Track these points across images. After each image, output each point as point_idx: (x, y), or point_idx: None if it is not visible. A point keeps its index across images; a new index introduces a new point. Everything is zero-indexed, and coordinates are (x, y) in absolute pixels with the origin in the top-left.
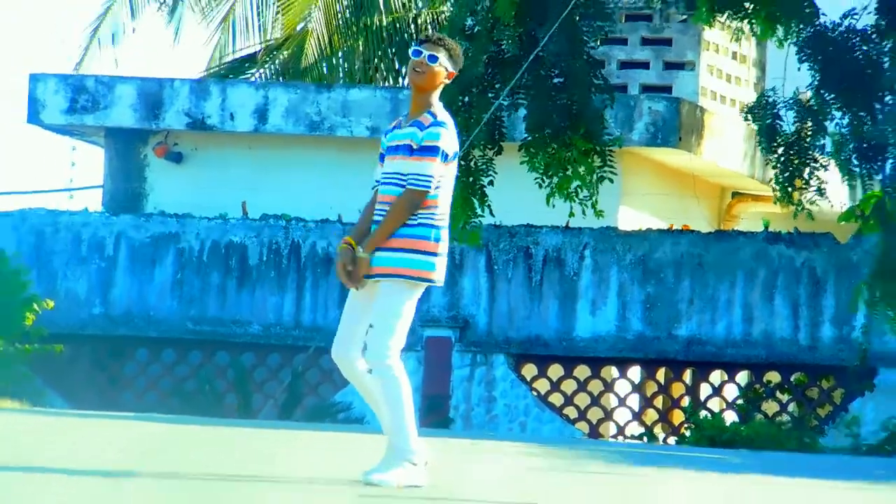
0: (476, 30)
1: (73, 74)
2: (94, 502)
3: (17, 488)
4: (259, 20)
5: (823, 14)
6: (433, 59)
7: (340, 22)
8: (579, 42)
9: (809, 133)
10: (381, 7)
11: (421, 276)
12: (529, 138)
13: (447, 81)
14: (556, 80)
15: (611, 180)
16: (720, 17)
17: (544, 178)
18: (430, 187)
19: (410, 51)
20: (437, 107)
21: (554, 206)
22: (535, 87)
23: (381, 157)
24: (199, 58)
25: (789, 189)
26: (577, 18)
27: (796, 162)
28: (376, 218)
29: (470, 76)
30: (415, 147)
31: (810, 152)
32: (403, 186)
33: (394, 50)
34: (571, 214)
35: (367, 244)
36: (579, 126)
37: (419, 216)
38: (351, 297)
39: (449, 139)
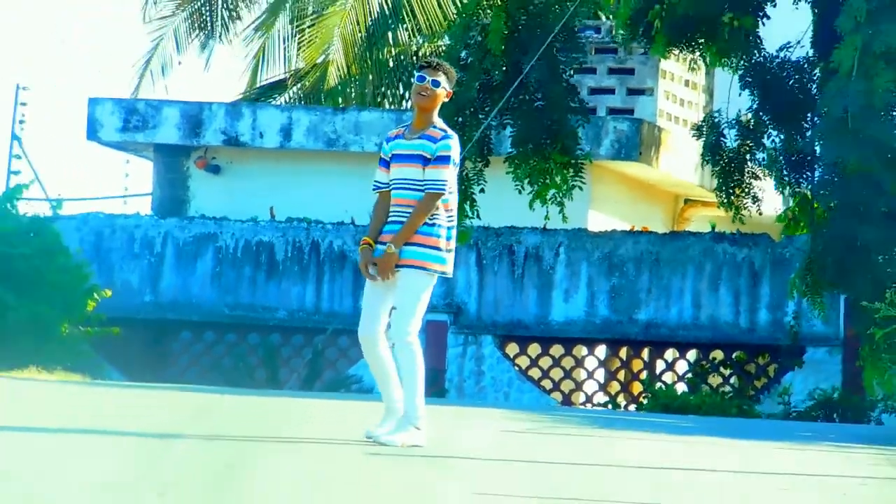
0: (469, 60)
1: (126, 98)
2: (148, 458)
3: (83, 446)
4: (285, 53)
5: (763, 48)
6: (436, 83)
7: (357, 53)
8: (558, 70)
9: (748, 149)
10: (390, 41)
11: (437, 269)
12: (514, 152)
13: (446, 100)
14: (537, 104)
15: (580, 188)
16: (675, 51)
17: (526, 186)
18: (445, 190)
19: (415, 76)
20: (439, 122)
21: (534, 209)
22: (520, 109)
23: (384, 163)
24: (234, 83)
25: (730, 196)
26: (556, 50)
27: (736, 174)
28: (394, 218)
29: (464, 100)
30: (429, 157)
31: (749, 165)
32: (420, 191)
33: (398, 78)
34: (547, 218)
35: (397, 240)
36: (557, 142)
37: (435, 217)
38: (370, 284)
39: (457, 149)
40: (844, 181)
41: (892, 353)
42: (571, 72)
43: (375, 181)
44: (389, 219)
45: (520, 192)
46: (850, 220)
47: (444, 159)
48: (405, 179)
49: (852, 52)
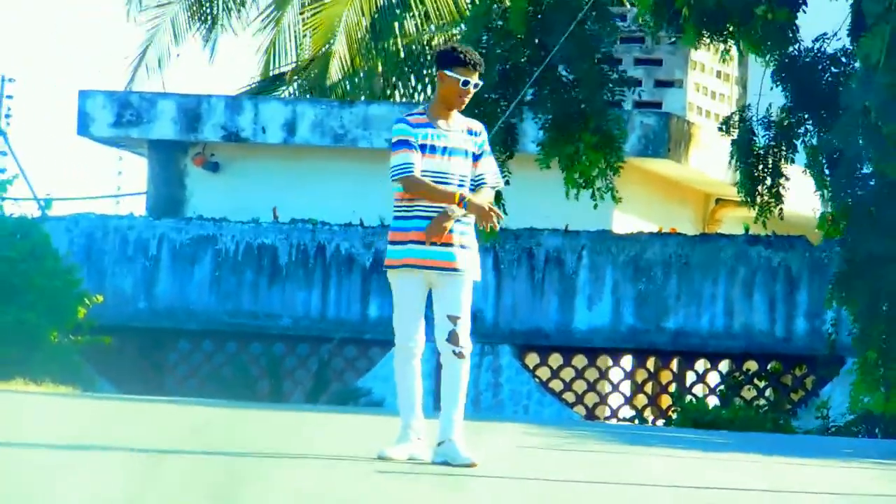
0: (490, 44)
1: (119, 91)
2: (142, 475)
3: (73, 463)
4: (297, 46)
5: (801, 40)
6: (477, 85)
7: (361, 45)
8: (588, 47)
9: (780, 147)
10: (397, 32)
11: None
12: (543, 138)
13: None
14: (567, 85)
15: (616, 170)
16: (705, 41)
17: (565, 176)
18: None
19: (461, 80)
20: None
21: (578, 199)
22: (548, 91)
23: (416, 147)
24: (235, 76)
25: (755, 195)
26: (585, 27)
27: (765, 172)
28: (430, 214)
29: (484, 87)
30: (477, 152)
31: (780, 164)
32: (471, 188)
33: (409, 69)
34: (596, 206)
35: (474, 199)
36: (588, 122)
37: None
38: (408, 292)
39: None
40: (861, 182)
41: (886, 372)
42: (611, 44)
43: (412, 164)
44: (431, 213)
45: (573, 186)
46: (861, 225)
47: (491, 152)
48: (455, 174)
49: (880, 42)
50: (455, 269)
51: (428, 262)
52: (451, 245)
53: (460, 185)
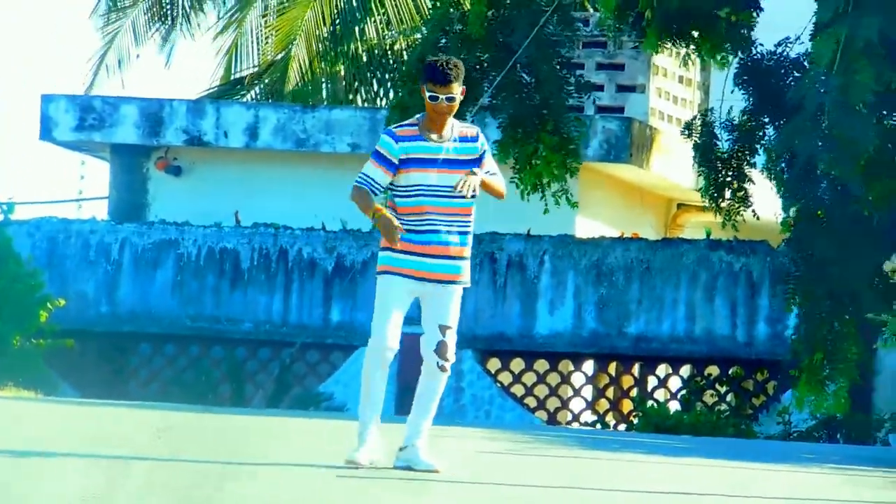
0: (448, 46)
1: (82, 95)
2: (104, 481)
3: (35, 470)
4: (258, 47)
5: (761, 44)
6: (452, 99)
7: (320, 49)
8: (548, 48)
9: (742, 150)
10: (357, 36)
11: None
12: (502, 138)
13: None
14: (527, 86)
15: (573, 172)
16: (667, 45)
17: (519, 176)
18: None
19: (428, 94)
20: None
21: (528, 200)
22: (508, 92)
23: (388, 164)
24: (196, 80)
25: (718, 199)
26: (548, 28)
27: (727, 176)
28: (433, 227)
29: None
30: (476, 157)
31: (743, 168)
32: (474, 197)
33: (372, 74)
34: (546, 211)
35: (482, 175)
36: (547, 123)
37: (469, 224)
38: (397, 297)
39: None
40: (813, 184)
41: (831, 372)
42: (573, 46)
43: (370, 179)
44: (426, 227)
45: (517, 186)
46: (811, 227)
47: (491, 152)
48: (452, 187)
49: (833, 45)
50: (455, 282)
51: (435, 276)
52: (454, 258)
53: (459, 197)
